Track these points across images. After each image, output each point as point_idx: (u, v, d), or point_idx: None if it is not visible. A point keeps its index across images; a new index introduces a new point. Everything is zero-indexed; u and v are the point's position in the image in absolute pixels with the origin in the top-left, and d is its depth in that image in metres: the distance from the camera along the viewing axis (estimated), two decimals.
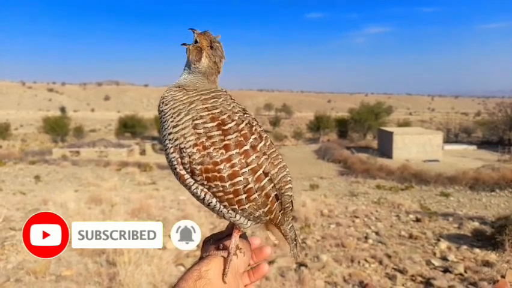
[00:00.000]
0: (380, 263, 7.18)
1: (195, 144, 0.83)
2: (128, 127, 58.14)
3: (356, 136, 53.21)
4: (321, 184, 21.67)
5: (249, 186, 0.84)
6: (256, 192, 0.85)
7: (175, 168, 0.86)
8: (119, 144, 41.93)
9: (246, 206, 0.85)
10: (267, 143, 0.90)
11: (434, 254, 8.02)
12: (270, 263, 6.56)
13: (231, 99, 0.93)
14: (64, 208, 8.08)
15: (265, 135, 0.91)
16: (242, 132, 0.86)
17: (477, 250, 8.23)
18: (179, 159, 0.85)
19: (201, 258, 0.90)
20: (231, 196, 0.84)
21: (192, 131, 0.84)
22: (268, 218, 0.89)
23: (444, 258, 7.65)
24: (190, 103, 0.88)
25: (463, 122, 71.73)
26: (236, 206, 0.85)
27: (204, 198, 0.86)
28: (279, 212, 0.90)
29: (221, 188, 0.83)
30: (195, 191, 0.86)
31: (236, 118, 0.87)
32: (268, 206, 0.87)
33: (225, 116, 0.86)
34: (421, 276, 6.61)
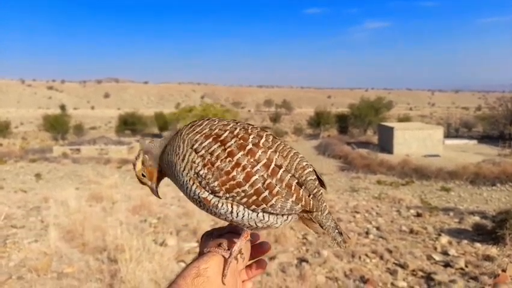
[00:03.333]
0: (381, 258, 7.19)
1: (204, 165, 0.84)
2: (129, 124, 58.18)
3: (357, 132, 53.20)
4: None
5: (268, 181, 0.84)
6: (277, 185, 0.85)
7: (198, 196, 0.86)
8: (119, 142, 41.95)
9: (273, 201, 0.84)
10: (269, 139, 0.89)
11: (435, 248, 8.03)
12: (271, 258, 6.57)
13: (213, 120, 0.94)
14: (64, 206, 8.07)
15: (264, 133, 0.90)
16: (239, 136, 0.87)
17: (478, 244, 8.24)
18: (198, 184, 0.85)
19: (200, 254, 0.89)
20: (254, 198, 0.84)
21: (195, 155, 0.86)
22: (300, 205, 0.87)
23: (445, 253, 7.65)
24: (180, 135, 0.90)
25: (463, 116, 71.64)
26: (264, 205, 0.84)
27: (232, 212, 0.85)
28: (309, 197, 0.89)
29: (243, 194, 0.83)
30: (223, 207, 0.85)
31: (228, 128, 0.89)
32: (295, 195, 0.86)
33: (216, 130, 0.88)
34: (422, 270, 6.62)
